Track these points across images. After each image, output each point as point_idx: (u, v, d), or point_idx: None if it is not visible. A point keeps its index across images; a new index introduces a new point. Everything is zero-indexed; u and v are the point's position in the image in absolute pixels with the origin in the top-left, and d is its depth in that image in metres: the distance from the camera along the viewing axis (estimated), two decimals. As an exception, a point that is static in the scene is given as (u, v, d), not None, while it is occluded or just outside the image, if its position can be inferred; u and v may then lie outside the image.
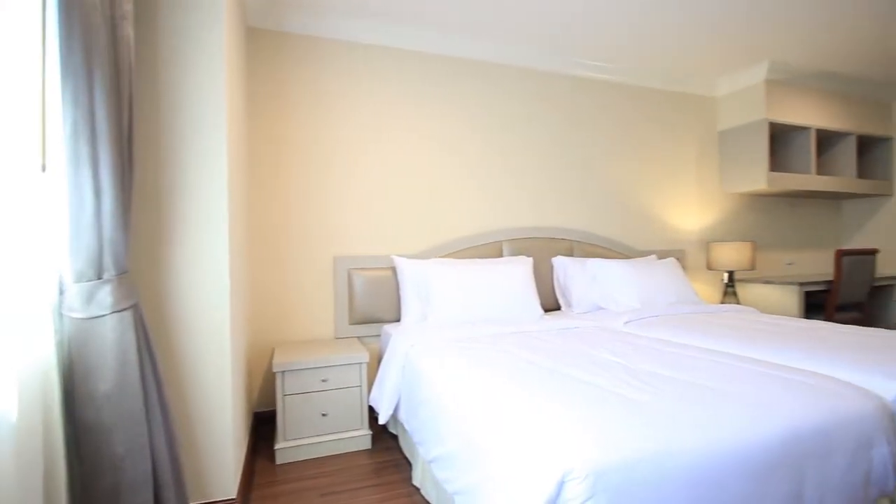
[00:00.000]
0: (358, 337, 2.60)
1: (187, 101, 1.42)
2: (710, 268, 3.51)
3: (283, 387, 2.00)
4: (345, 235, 2.62)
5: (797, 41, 3.04)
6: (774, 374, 1.35)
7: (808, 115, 3.61)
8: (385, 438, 2.22)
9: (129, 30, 1.11)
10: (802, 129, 3.59)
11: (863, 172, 4.13)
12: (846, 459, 1.09)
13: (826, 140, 3.88)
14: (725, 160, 3.72)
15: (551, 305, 2.97)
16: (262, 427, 2.37)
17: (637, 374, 1.32)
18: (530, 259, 2.79)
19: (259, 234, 2.45)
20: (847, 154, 3.81)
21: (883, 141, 4.06)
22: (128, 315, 1.08)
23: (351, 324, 2.56)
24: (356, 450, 2.11)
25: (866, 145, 4.12)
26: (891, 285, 3.76)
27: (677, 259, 3.49)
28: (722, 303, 3.53)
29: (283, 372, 2.00)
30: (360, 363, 2.13)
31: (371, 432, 2.15)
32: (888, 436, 1.18)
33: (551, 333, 2.07)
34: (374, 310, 2.56)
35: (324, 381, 2.07)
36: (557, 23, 2.70)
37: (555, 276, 2.99)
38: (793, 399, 1.14)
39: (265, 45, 2.49)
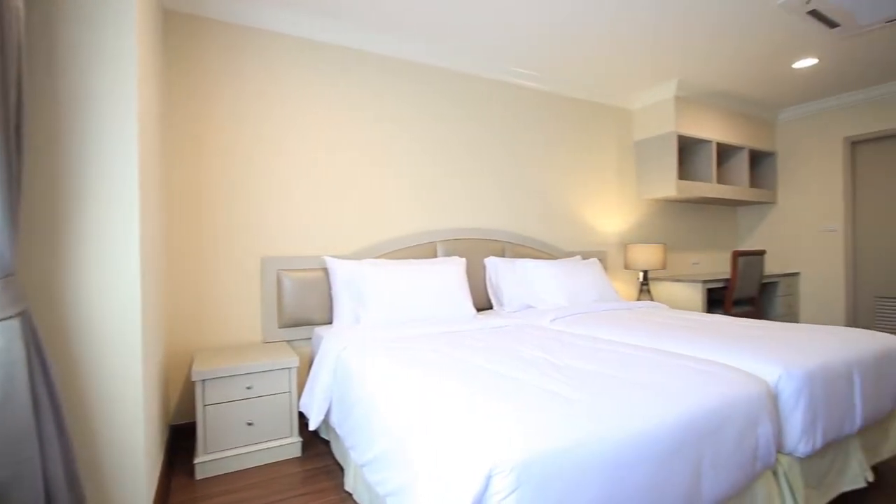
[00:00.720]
0: (288, 341, 2.50)
1: (93, 86, 1.29)
2: (627, 267, 3.79)
3: (204, 396, 1.88)
4: (274, 236, 2.51)
5: (698, 64, 3.37)
6: (679, 363, 1.49)
7: (710, 129, 4.02)
8: (316, 445, 2.16)
9: (17, 1, 0.99)
10: (705, 143, 3.99)
11: (754, 182, 4.68)
12: (736, 438, 1.23)
13: (724, 153, 4.34)
14: (641, 168, 4.03)
15: (484, 305, 3.05)
16: (182, 440, 2.21)
17: (561, 369, 1.40)
18: (463, 260, 2.85)
19: (178, 233, 2.28)
20: (741, 166, 4.29)
21: (769, 155, 4.62)
22: (15, 323, 0.96)
23: (280, 327, 2.46)
24: (285, 458, 2.03)
25: (756, 158, 4.66)
26: (776, 282, 4.28)
27: (599, 259, 3.73)
28: (638, 300, 3.83)
29: (203, 381, 1.88)
30: (290, 368, 2.06)
31: (301, 440, 2.08)
32: (770, 415, 1.35)
33: (483, 332, 2.13)
34: (304, 312, 2.48)
35: (249, 388, 1.97)
36: (490, 30, 2.78)
37: (487, 276, 3.07)
38: (693, 386, 1.26)
39: (183, 30, 2.32)
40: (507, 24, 2.70)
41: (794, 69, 3.51)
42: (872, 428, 1.84)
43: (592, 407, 1.08)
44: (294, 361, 2.07)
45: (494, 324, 2.34)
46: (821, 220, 4.34)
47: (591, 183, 3.84)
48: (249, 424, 1.97)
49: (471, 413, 1.05)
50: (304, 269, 2.52)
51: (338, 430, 1.75)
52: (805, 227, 4.45)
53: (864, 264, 4.15)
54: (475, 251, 3.10)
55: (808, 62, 3.38)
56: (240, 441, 1.95)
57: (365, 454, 1.41)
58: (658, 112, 3.88)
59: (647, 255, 3.65)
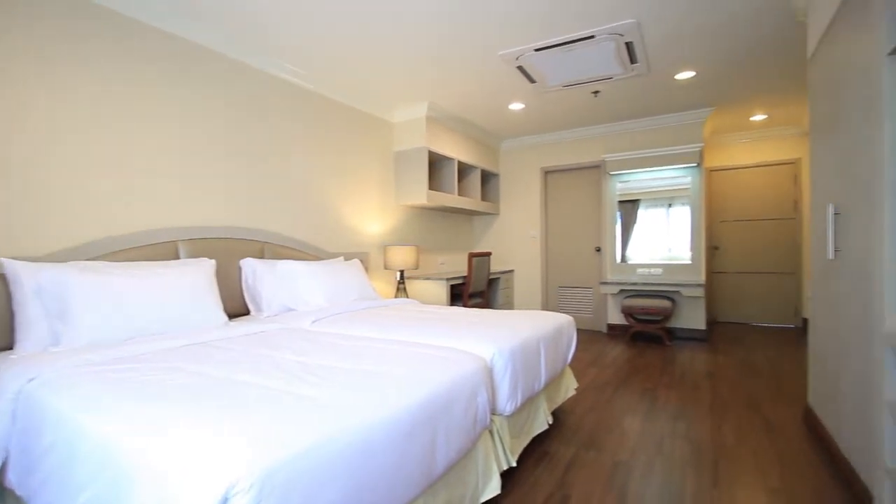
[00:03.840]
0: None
1: None
2: (386, 267, 4.08)
3: None
4: None
5: (444, 92, 3.91)
6: (422, 352, 1.70)
7: (454, 149, 4.71)
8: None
9: None
10: (450, 160, 4.65)
11: (484, 196, 5.69)
12: (462, 408, 1.49)
13: (464, 170, 5.14)
14: (399, 177, 4.41)
15: (239, 310, 2.80)
16: None
17: (314, 370, 1.41)
18: (213, 262, 2.54)
19: None
20: (475, 182, 5.16)
21: (495, 175, 5.71)
22: None
23: None
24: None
25: (486, 177, 5.70)
26: (499, 277, 5.32)
27: (361, 260, 3.90)
28: (395, 297, 4.16)
29: None
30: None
31: (-50, 516, 1.48)
32: (486, 385, 1.68)
33: (234, 340, 1.95)
34: (-42, 337, 1.77)
35: None
36: (259, 17, 2.57)
37: (243, 279, 2.83)
38: (430, 370, 1.47)
39: None
40: (283, 13, 2.56)
41: (509, 109, 4.44)
42: (551, 384, 2.50)
43: (339, 404, 1.13)
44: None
45: (249, 330, 2.18)
46: (527, 229, 5.62)
47: (355, 187, 3.98)
48: None
49: (205, 432, 0.95)
50: (-40, 277, 1.80)
51: (18, 491, 1.33)
52: (518, 234, 5.68)
53: (553, 263, 5.57)
54: (229, 252, 2.81)
55: (518, 106, 4.33)
56: None
57: (64, 509, 1.12)
58: (413, 128, 4.31)
59: (403, 256, 4.01)
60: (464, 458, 1.58)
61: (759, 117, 4.81)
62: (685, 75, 3.61)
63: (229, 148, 2.94)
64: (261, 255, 3.04)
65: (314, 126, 3.57)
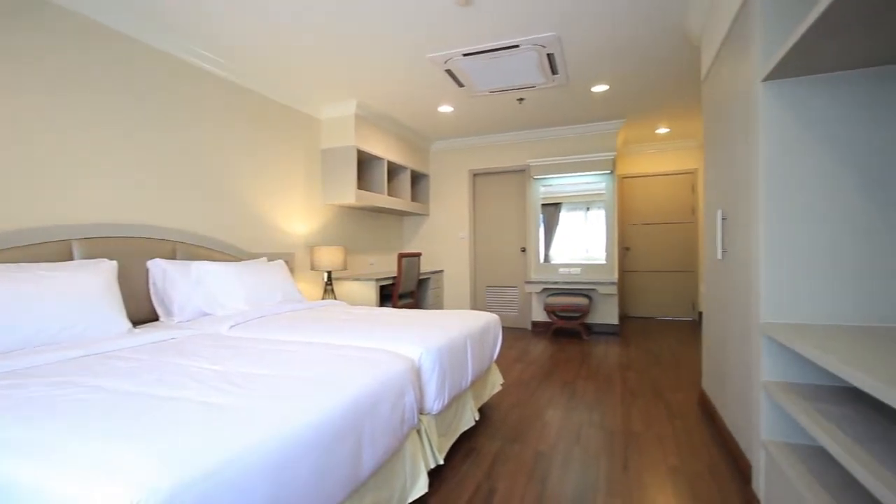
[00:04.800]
0: None
1: None
2: (313, 268, 3.95)
3: None
4: None
5: (373, 91, 3.87)
6: (348, 354, 1.68)
7: (383, 149, 4.67)
8: None
9: None
10: (379, 159, 4.60)
11: (414, 197, 5.71)
12: (389, 408, 1.48)
13: (394, 170, 5.12)
14: (326, 175, 4.29)
15: (146, 316, 2.57)
16: None
17: (231, 378, 1.33)
18: (114, 263, 2.31)
19: None
20: (405, 183, 5.16)
21: (425, 176, 5.75)
22: None
23: None
24: None
25: (416, 178, 5.71)
26: (429, 277, 5.36)
27: (286, 261, 3.74)
28: (322, 299, 4.05)
29: None
30: None
31: None
32: (414, 385, 1.69)
33: (140, 349, 1.79)
34: None
35: None
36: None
37: (151, 282, 2.60)
38: (355, 373, 1.45)
39: None
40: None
41: (439, 111, 4.50)
42: (478, 381, 2.57)
43: (258, 413, 1.07)
44: None
45: (157, 337, 2.00)
46: (456, 230, 5.72)
47: (279, 185, 3.80)
48: None
49: (101, 453, 0.86)
50: None
51: None
52: (447, 234, 5.76)
53: (481, 263, 5.72)
54: (135, 252, 2.57)
55: (447, 108, 4.40)
56: None
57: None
58: (341, 125, 4.22)
59: (330, 257, 3.90)
60: (391, 460, 1.58)
61: (663, 130, 5.30)
62: (600, 88, 3.88)
63: (137, 138, 2.68)
64: (172, 256, 2.81)
65: (236, 120, 3.37)
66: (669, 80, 3.72)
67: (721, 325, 2.29)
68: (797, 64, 1.43)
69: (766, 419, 1.56)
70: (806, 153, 1.54)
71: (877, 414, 1.22)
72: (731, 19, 1.99)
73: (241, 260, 3.29)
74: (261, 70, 3.37)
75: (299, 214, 4.05)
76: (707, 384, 2.66)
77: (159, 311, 2.59)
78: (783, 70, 1.48)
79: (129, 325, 2.17)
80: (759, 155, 1.60)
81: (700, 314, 5.83)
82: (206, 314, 2.66)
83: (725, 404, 2.22)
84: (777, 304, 1.57)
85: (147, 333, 2.03)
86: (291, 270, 3.81)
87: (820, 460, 1.35)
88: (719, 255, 2.24)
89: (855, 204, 1.49)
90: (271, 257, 3.60)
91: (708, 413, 2.56)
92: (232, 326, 2.35)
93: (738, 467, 1.94)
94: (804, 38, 1.26)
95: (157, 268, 2.62)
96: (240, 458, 0.90)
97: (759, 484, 1.60)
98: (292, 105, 3.93)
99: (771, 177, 1.58)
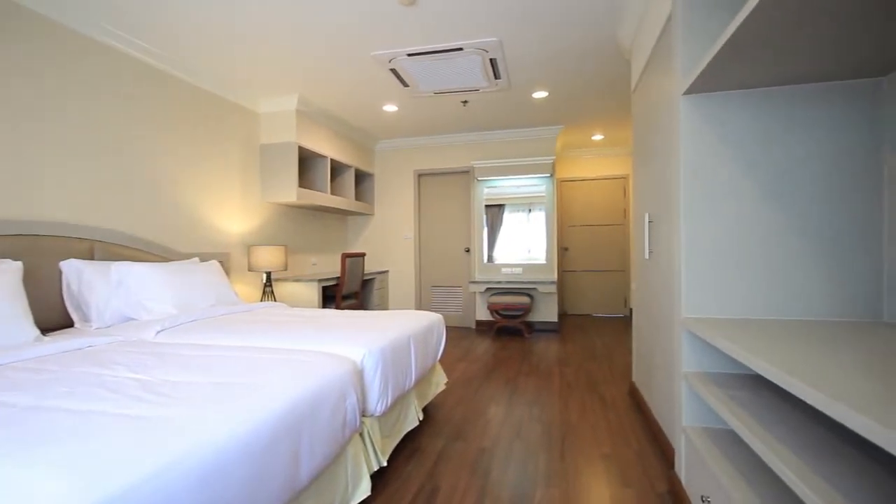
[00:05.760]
0: None
1: None
2: (251, 269, 3.78)
3: None
4: None
5: (317, 87, 3.77)
6: (286, 358, 1.62)
7: (327, 147, 4.55)
8: None
9: None
10: (322, 157, 4.49)
11: (359, 196, 5.62)
12: (329, 412, 1.45)
13: (337, 168, 5.01)
14: (265, 172, 4.12)
15: (58, 322, 2.35)
16: None
17: (155, 388, 1.25)
18: (18, 264, 2.08)
19: None
20: (349, 181, 5.07)
21: (370, 175, 5.67)
22: None
23: None
24: None
25: (361, 177, 5.63)
26: (374, 278, 5.30)
27: (221, 262, 3.55)
28: (261, 301, 3.88)
29: None
30: None
31: None
32: (355, 387, 1.66)
33: (50, 359, 1.62)
34: None
35: None
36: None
37: (64, 285, 2.38)
38: (293, 376, 1.41)
39: None
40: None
41: (384, 110, 4.46)
42: (422, 381, 2.58)
43: (185, 423, 1.01)
44: None
45: (71, 345, 1.83)
46: (402, 230, 5.69)
47: (214, 180, 3.60)
48: None
49: (5, 473, 0.78)
50: None
51: None
52: (392, 234, 5.72)
53: (426, 263, 5.74)
54: (44, 253, 2.33)
55: (392, 107, 4.37)
56: None
57: None
58: (282, 120, 4.06)
59: (269, 257, 3.75)
60: (332, 464, 1.55)
61: (598, 137, 5.59)
62: (540, 94, 4.02)
63: (47, 126, 2.43)
64: (90, 256, 2.58)
65: (165, 110, 3.15)
66: (604, 90, 3.93)
67: (649, 321, 2.46)
68: (711, 81, 1.57)
69: (686, 407, 1.69)
70: (720, 163, 1.68)
71: (777, 398, 1.36)
72: (657, 36, 2.14)
73: (169, 260, 3.09)
74: (190, 57, 3.18)
75: (236, 212, 3.85)
76: (637, 376, 2.83)
77: (74, 316, 2.37)
78: (700, 86, 1.61)
79: (37, 332, 1.97)
80: (680, 163, 1.73)
81: (631, 311, 6.20)
82: (129, 319, 2.46)
83: (652, 394, 2.38)
84: (696, 301, 1.71)
85: (58, 341, 1.85)
86: (227, 271, 3.62)
87: (731, 442, 1.49)
88: (647, 256, 2.39)
89: (760, 210, 1.65)
90: (204, 258, 3.40)
91: (637, 403, 2.73)
92: (158, 332, 2.19)
93: (664, 453, 2.09)
94: (715, 59, 1.38)
95: (72, 269, 2.40)
96: (161, 473, 0.84)
97: (681, 467, 1.73)
98: (226, 96, 3.74)
99: (690, 184, 1.71)
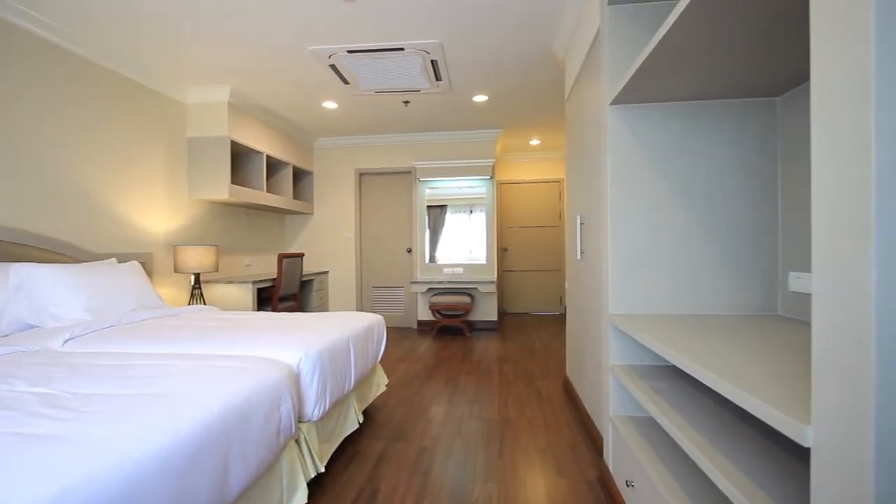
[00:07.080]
0: None
1: None
2: (177, 271, 3.54)
3: None
4: None
5: (251, 79, 3.60)
6: (215, 364, 1.54)
7: (262, 142, 4.36)
8: None
9: None
10: (257, 153, 4.29)
11: (297, 195, 5.43)
12: (262, 420, 1.39)
13: (274, 166, 4.81)
14: (193, 167, 3.87)
15: (-62, 334, 2.06)
16: None
17: (60, 402, 1.13)
18: None
19: None
20: (287, 179, 4.89)
21: (308, 174, 5.51)
22: None
23: None
24: None
25: (299, 175, 5.45)
26: (313, 279, 5.14)
27: (143, 263, 3.29)
28: (189, 304, 3.64)
29: None
30: None
31: None
32: (291, 393, 1.61)
33: (-71, 375, 1.43)
34: None
35: None
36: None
37: (-53, 291, 2.09)
38: (220, 384, 1.34)
39: None
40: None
41: (323, 107, 4.35)
42: (362, 383, 2.54)
43: (94, 441, 0.93)
44: None
45: (-43, 360, 1.62)
46: (342, 230, 5.58)
47: (134, 175, 3.33)
48: None
49: None
50: None
51: None
52: (332, 234, 5.59)
53: (367, 264, 5.66)
54: (-81, 254, 2.04)
55: (331, 104, 4.27)
56: None
57: None
58: (212, 113, 3.84)
59: (198, 258, 3.53)
60: (266, 473, 1.49)
61: (535, 141, 5.80)
62: (480, 98, 4.11)
63: (-78, 110, 2.13)
64: (-19, 258, 2.30)
65: (75, 96, 2.86)
66: (541, 97, 4.09)
67: (580, 318, 2.59)
68: (633, 94, 1.69)
69: (613, 397, 1.80)
70: (642, 169, 1.81)
71: (691, 386, 1.49)
72: (588, 48, 2.26)
73: (81, 261, 2.81)
74: (108, 40, 2.92)
75: (160, 210, 3.59)
76: (570, 371, 2.97)
77: (-39, 325, 2.10)
78: (624, 97, 1.72)
79: (-86, 345, 1.72)
80: (607, 169, 1.84)
81: (566, 309, 6.49)
82: (32, 326, 2.22)
83: (584, 387, 2.51)
84: (621, 298, 1.83)
85: (-59, 354, 1.63)
86: (150, 273, 3.36)
87: (652, 428, 1.61)
88: (579, 256, 2.52)
89: (677, 214, 1.80)
90: (122, 258, 3.13)
91: (571, 397, 2.87)
92: (67, 340, 1.99)
93: (594, 442, 2.21)
94: (633, 77, 1.49)
95: (-42, 272, 2.12)
96: (69, 495, 0.77)
97: (609, 454, 1.84)
98: (151, 85, 3.47)
99: (615, 188, 1.83)
